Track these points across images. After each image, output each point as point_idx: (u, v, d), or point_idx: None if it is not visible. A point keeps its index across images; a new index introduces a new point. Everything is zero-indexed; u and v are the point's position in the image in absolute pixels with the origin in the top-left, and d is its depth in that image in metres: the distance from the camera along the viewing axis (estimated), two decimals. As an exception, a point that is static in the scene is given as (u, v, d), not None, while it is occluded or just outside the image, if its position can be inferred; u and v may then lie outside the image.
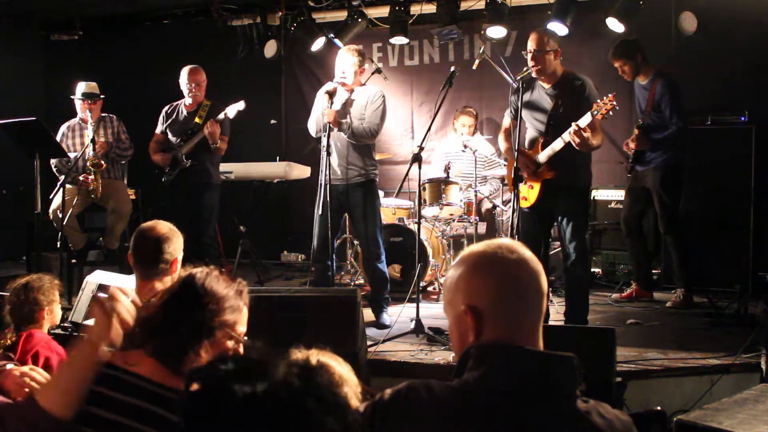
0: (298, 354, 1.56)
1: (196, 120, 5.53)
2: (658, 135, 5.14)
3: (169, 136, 5.65)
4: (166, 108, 5.78)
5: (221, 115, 5.41)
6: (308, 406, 0.92)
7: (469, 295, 1.42)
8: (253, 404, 0.92)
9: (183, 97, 5.66)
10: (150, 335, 1.71)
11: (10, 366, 2.27)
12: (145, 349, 1.71)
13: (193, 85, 5.54)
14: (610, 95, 4.08)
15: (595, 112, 4.07)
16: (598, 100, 4.13)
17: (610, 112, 4.11)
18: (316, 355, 1.61)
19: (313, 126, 4.92)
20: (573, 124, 4.06)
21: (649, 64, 5.27)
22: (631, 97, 5.56)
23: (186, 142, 5.52)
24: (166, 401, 1.63)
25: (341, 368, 1.62)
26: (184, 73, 5.57)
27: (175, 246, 2.71)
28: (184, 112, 5.66)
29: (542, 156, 4.32)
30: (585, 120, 4.08)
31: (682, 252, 5.28)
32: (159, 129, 5.75)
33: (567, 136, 4.14)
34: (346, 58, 4.77)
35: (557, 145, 4.24)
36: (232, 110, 5.42)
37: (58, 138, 5.66)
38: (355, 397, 1.55)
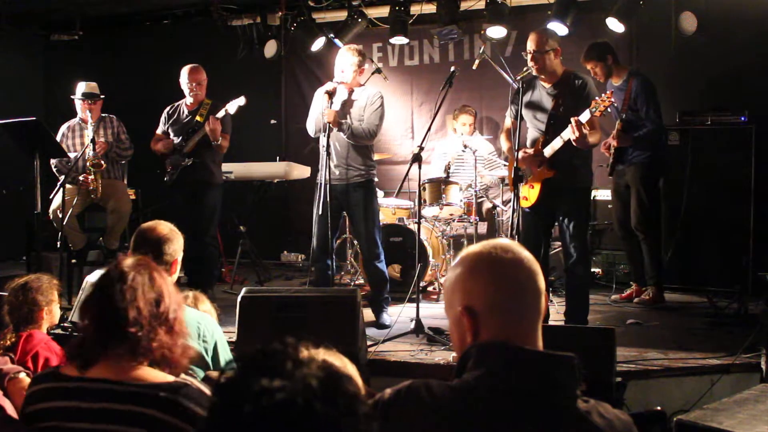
0: (305, 352, 1.57)
1: (197, 118, 5.52)
2: (636, 133, 5.17)
3: (171, 135, 5.65)
4: (168, 108, 5.77)
5: (222, 112, 5.39)
6: (317, 410, 0.92)
7: (466, 295, 1.42)
8: (264, 398, 0.92)
9: (183, 97, 5.66)
10: (98, 345, 1.72)
11: (22, 375, 2.26)
12: (100, 356, 1.72)
13: (194, 84, 5.54)
14: (607, 92, 4.13)
15: (594, 110, 4.09)
16: (596, 98, 4.14)
17: (608, 109, 4.16)
18: (322, 355, 1.62)
19: (311, 126, 4.91)
20: (572, 119, 4.08)
21: (621, 65, 5.36)
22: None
23: (188, 140, 5.51)
24: (135, 397, 1.65)
25: (346, 370, 1.62)
26: (185, 72, 5.57)
27: (176, 247, 2.71)
28: (186, 112, 5.65)
29: (547, 150, 4.32)
30: (584, 117, 4.10)
31: (654, 250, 5.30)
32: (160, 129, 5.74)
33: (566, 134, 4.16)
34: (345, 58, 4.77)
35: (557, 143, 4.25)
36: (233, 106, 5.40)
37: (58, 138, 5.65)
38: None
